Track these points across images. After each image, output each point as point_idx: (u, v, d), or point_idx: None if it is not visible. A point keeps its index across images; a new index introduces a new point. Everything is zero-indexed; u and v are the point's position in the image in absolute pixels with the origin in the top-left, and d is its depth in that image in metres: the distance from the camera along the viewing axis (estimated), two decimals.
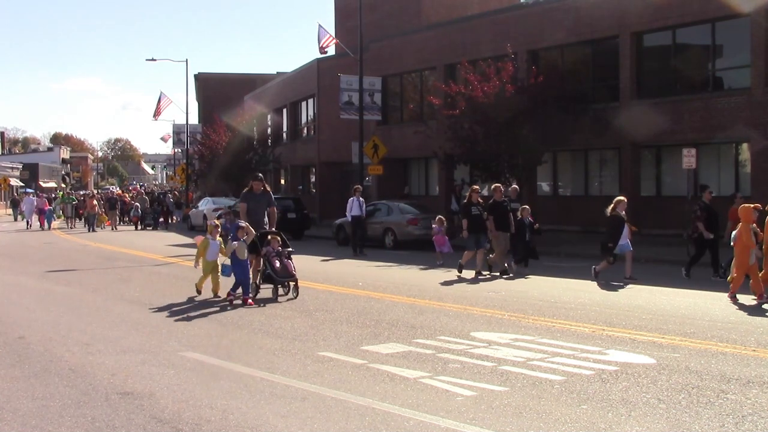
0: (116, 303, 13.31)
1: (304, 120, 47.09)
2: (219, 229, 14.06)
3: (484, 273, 17.15)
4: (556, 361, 8.44)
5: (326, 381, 7.62)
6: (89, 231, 37.05)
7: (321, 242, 29.37)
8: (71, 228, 40.81)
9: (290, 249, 13.86)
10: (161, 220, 42.47)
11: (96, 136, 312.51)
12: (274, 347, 9.29)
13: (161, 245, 27.65)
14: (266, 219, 14.58)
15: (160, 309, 12.41)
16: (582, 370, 8.04)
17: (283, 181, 51.29)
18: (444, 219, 21.26)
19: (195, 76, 73.39)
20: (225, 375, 7.91)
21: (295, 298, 13.12)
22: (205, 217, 37.67)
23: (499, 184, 18.82)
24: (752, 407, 6.64)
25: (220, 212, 28.92)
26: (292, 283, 13.41)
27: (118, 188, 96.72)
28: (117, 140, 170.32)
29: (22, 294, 14.86)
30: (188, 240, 31.37)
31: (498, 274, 17.12)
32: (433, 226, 20.82)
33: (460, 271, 17.08)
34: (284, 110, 49.34)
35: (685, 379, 7.59)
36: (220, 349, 9.25)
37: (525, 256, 17.91)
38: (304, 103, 46.34)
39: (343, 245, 27.09)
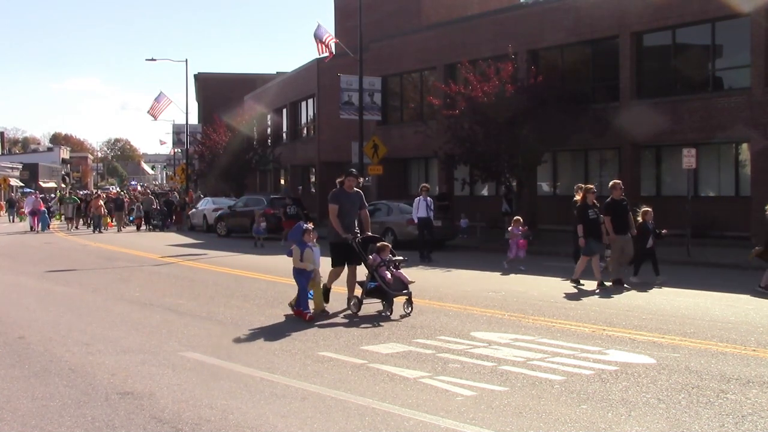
0: (116, 303, 13.30)
1: (304, 120, 47.11)
2: (316, 234, 12.06)
3: (606, 283, 14.79)
4: (556, 361, 8.44)
5: (326, 381, 7.62)
6: (94, 232, 35.95)
7: (321, 242, 29.22)
8: (75, 229, 39.49)
9: (401, 258, 12.09)
10: (170, 220, 40.23)
11: (96, 136, 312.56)
12: (274, 347, 9.29)
13: (161, 245, 27.65)
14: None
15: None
16: (582, 370, 8.04)
17: (283, 181, 51.32)
18: (521, 220, 19.36)
19: (195, 76, 73.42)
20: (225, 375, 7.91)
21: (410, 314, 11.23)
22: (205, 216, 37.68)
23: (618, 181, 16.40)
24: (752, 407, 6.64)
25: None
26: (404, 297, 11.44)
27: (117, 188, 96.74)
28: (117, 140, 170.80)
29: (22, 294, 14.85)
30: (188, 240, 31.38)
31: (611, 283, 14.85)
32: (510, 228, 19.03)
33: (577, 284, 14.95)
34: (284, 110, 49.37)
35: (685, 379, 7.59)
36: (220, 349, 9.25)
37: (641, 264, 15.68)
38: (304, 103, 46.36)
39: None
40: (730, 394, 7.05)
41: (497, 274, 17.51)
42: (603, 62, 28.00)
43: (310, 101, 44.39)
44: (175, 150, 66.47)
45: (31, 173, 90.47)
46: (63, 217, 42.13)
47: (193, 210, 39.98)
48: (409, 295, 11.45)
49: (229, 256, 23.25)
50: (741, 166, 24.84)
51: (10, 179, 74.83)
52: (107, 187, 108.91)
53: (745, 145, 24.35)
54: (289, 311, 11.66)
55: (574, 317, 11.21)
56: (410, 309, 11.37)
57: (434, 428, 6.12)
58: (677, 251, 19.94)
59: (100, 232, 35.89)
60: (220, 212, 35.14)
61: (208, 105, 67.69)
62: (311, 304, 11.59)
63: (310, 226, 11.94)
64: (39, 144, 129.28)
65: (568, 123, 25.29)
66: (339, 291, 12.63)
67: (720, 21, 24.11)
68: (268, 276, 17.04)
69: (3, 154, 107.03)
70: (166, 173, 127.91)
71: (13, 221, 49.70)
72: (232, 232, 33.37)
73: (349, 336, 9.97)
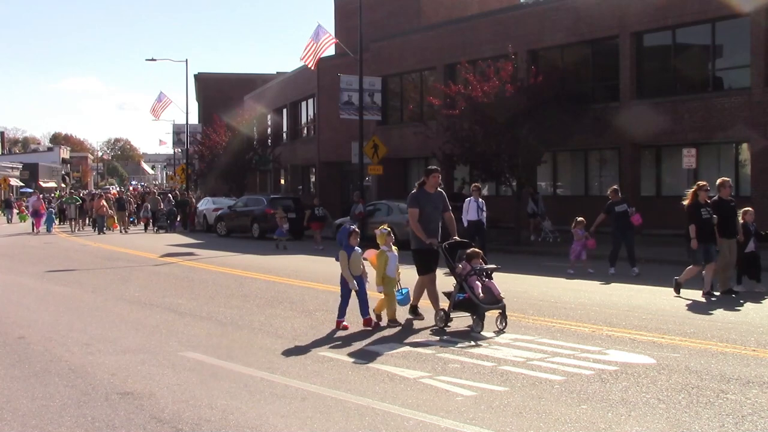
0: (116, 303, 13.30)
1: (304, 120, 47.12)
2: (393, 237, 11.07)
3: (715, 293, 13.47)
4: (556, 361, 8.44)
5: (326, 381, 7.62)
6: (98, 233, 34.75)
7: (326, 243, 29.29)
8: (79, 230, 37.60)
9: (494, 266, 10.84)
10: (178, 221, 38.54)
11: (96, 136, 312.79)
12: (274, 347, 9.29)
13: (161, 245, 27.64)
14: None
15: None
16: (582, 370, 8.04)
17: (283, 181, 51.32)
18: (584, 220, 18.03)
19: (195, 76, 73.39)
20: (225, 375, 7.91)
21: (504, 329, 10.09)
22: (205, 216, 37.63)
23: (726, 179, 14.91)
24: (752, 407, 6.64)
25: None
26: (497, 312, 10.21)
27: (117, 188, 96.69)
28: (117, 140, 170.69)
29: (22, 294, 14.85)
30: (188, 240, 31.37)
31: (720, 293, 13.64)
32: (575, 229, 17.78)
33: (678, 291, 13.61)
34: (284, 110, 49.37)
35: (685, 379, 7.59)
36: (220, 349, 9.25)
37: (746, 270, 14.21)
38: (304, 103, 46.37)
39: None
40: (730, 394, 7.05)
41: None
42: (603, 62, 28.00)
43: (310, 101, 44.39)
44: (176, 150, 66.44)
45: (31, 173, 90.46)
46: (65, 218, 39.87)
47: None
48: (503, 308, 10.17)
49: (229, 256, 23.25)
50: (741, 166, 24.84)
51: (10, 179, 74.84)
52: (107, 186, 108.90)
53: (745, 145, 24.35)
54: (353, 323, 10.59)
55: (574, 317, 11.21)
56: (504, 324, 10.07)
57: (434, 428, 6.12)
58: (677, 251, 19.90)
59: (103, 233, 34.92)
60: (220, 212, 35.12)
61: (208, 105, 67.65)
62: (372, 313, 10.61)
63: (356, 227, 11.08)
64: (39, 144, 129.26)
65: (568, 123, 25.29)
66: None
67: (720, 21, 24.11)
68: (268, 276, 17.05)
69: (3, 154, 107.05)
70: (166, 173, 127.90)
71: (11, 221, 48.83)
72: (232, 232, 33.36)
73: (349, 336, 9.97)
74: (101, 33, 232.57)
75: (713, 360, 8.38)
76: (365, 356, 8.73)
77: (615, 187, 18.32)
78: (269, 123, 51.52)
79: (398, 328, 10.48)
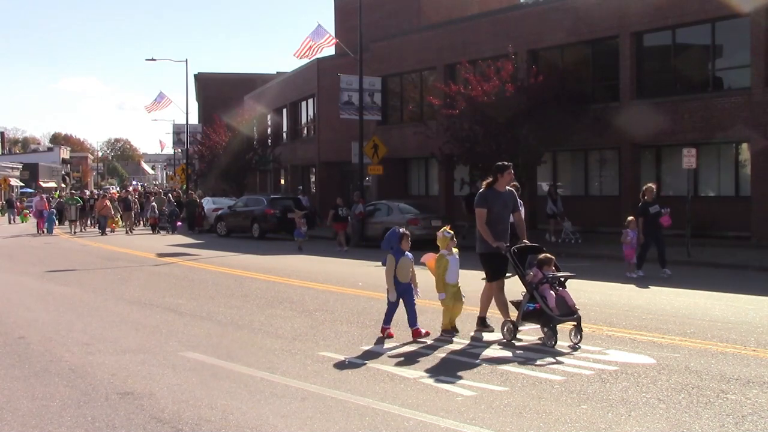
0: (116, 303, 13.31)
1: (304, 120, 47.11)
2: (455, 241, 10.27)
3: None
4: (556, 360, 8.43)
5: (326, 381, 7.62)
6: (102, 234, 34.16)
7: (321, 242, 29.37)
8: (82, 231, 36.97)
9: (568, 273, 9.85)
10: (180, 223, 37.37)
11: (96, 136, 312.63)
12: (274, 347, 9.29)
13: (161, 245, 27.64)
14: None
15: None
16: (582, 370, 8.04)
17: (282, 181, 51.33)
18: (635, 221, 16.81)
19: (195, 76, 73.41)
20: (225, 375, 7.91)
21: (578, 345, 9.12)
22: (205, 216, 37.55)
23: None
24: (752, 407, 6.64)
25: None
26: (571, 324, 9.30)
27: (117, 188, 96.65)
28: (117, 140, 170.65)
29: (22, 294, 14.86)
30: (188, 240, 31.36)
31: None
32: (627, 230, 16.73)
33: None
34: (284, 110, 49.36)
35: (685, 379, 7.59)
36: (220, 349, 9.25)
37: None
38: (304, 103, 46.36)
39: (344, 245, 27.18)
40: (730, 394, 7.05)
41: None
42: (603, 62, 27.99)
43: (310, 101, 44.38)
44: (176, 150, 66.41)
45: (31, 173, 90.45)
46: (65, 219, 38.64)
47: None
48: (578, 321, 9.25)
49: (229, 256, 23.25)
50: (741, 166, 24.84)
51: (10, 179, 74.83)
52: (107, 186, 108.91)
53: (745, 145, 24.34)
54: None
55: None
56: (579, 338, 9.17)
57: (434, 428, 6.12)
58: (677, 251, 19.92)
59: (104, 233, 34.33)
60: (220, 212, 35.10)
61: (208, 105, 67.68)
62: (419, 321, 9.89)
63: (405, 230, 10.16)
64: (39, 144, 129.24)
65: (568, 123, 25.29)
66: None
67: (720, 21, 24.10)
68: (268, 276, 17.05)
69: (3, 154, 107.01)
70: (166, 173, 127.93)
71: (13, 222, 48.57)
72: (232, 232, 33.36)
73: (349, 336, 9.97)
74: (101, 33, 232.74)
75: (713, 360, 8.38)
76: (365, 356, 8.73)
77: (651, 186, 17.34)
78: (269, 123, 51.52)
79: (466, 342, 9.55)
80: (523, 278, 9.56)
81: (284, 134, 49.71)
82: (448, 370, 8.04)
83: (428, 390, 7.28)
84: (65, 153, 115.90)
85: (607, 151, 28.56)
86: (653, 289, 14.64)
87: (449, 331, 9.88)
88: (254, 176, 52.35)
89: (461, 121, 26.02)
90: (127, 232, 35.83)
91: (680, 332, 9.95)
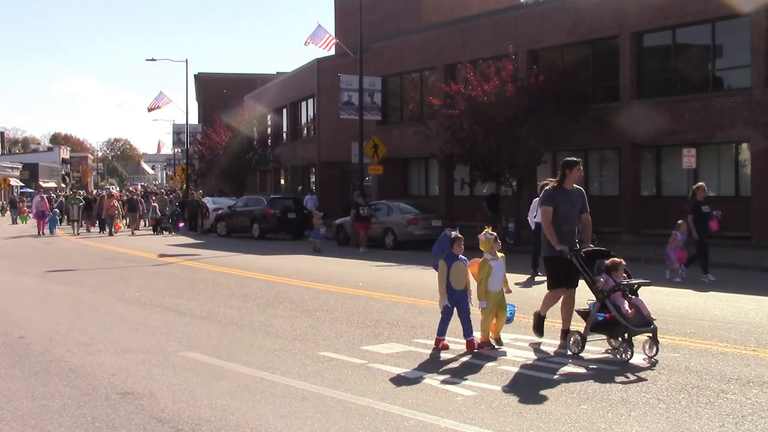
0: (116, 303, 13.31)
1: (304, 120, 47.12)
2: (500, 244, 9.44)
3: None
4: (556, 361, 8.44)
5: (326, 381, 7.62)
6: (108, 235, 33.48)
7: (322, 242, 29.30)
8: (87, 231, 36.33)
9: (642, 281, 9.06)
10: (182, 224, 36.78)
11: (96, 136, 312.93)
12: (274, 347, 9.29)
13: (161, 245, 27.64)
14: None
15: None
16: (582, 370, 8.04)
17: (282, 181, 51.33)
18: (685, 223, 16.03)
19: (195, 76, 73.40)
20: (225, 375, 7.91)
21: (655, 356, 8.36)
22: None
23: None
24: (752, 407, 6.64)
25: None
26: (646, 336, 8.49)
27: (117, 188, 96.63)
28: (117, 140, 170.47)
29: (22, 294, 14.86)
30: (188, 240, 31.35)
31: None
32: (676, 233, 16.06)
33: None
34: (284, 110, 49.37)
35: (685, 379, 7.60)
36: (220, 349, 9.25)
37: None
38: (304, 103, 46.37)
39: (343, 245, 27.18)
40: (730, 394, 7.05)
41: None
42: (603, 62, 27.98)
43: (310, 101, 44.38)
44: (176, 150, 66.42)
45: (31, 173, 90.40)
46: (67, 219, 38.07)
47: None
48: (654, 332, 8.44)
49: (230, 256, 23.25)
50: (741, 166, 24.82)
51: (10, 179, 74.80)
52: (107, 186, 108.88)
53: (745, 145, 24.33)
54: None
55: (574, 317, 11.18)
56: (655, 351, 8.37)
57: (434, 428, 6.13)
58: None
59: (112, 234, 33.67)
60: (220, 212, 35.09)
61: (208, 105, 67.67)
62: (477, 335, 9.16)
63: (457, 233, 9.23)
64: (39, 144, 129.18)
65: (568, 123, 25.28)
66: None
67: (720, 21, 24.08)
68: (268, 276, 17.05)
69: (3, 154, 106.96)
70: (166, 173, 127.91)
71: (16, 222, 47.80)
72: (232, 232, 33.36)
73: (349, 336, 9.97)
74: (101, 33, 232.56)
75: (713, 360, 8.38)
76: (365, 356, 8.72)
77: (702, 185, 16.75)
78: (269, 123, 51.52)
79: (505, 352, 8.97)
80: (593, 285, 8.77)
81: (284, 134, 49.72)
82: (448, 370, 8.04)
83: (428, 390, 7.28)
84: (65, 153, 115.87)
85: (607, 151, 28.55)
86: (653, 289, 14.61)
87: (489, 344, 9.06)
88: (254, 176, 52.34)
89: (461, 121, 26.01)
90: (132, 233, 35.20)
91: (680, 332, 9.95)
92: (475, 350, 8.92)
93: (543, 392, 7.17)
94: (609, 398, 6.95)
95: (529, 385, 7.41)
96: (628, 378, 7.66)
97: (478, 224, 24.69)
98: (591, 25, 27.33)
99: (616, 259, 8.91)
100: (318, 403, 6.80)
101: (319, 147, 41.88)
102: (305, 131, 46.76)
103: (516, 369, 8.07)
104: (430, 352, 8.95)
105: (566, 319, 9.34)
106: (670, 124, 24.92)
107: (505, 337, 9.62)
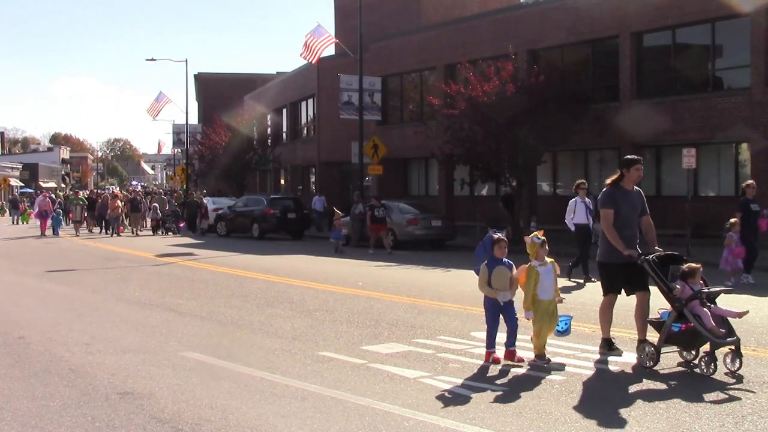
0: (116, 303, 13.31)
1: (304, 120, 47.12)
2: (547, 249, 8.65)
3: None
4: (556, 361, 8.43)
5: (326, 381, 7.62)
6: (111, 236, 33.32)
7: (321, 242, 29.37)
8: (89, 232, 36.20)
9: (723, 288, 8.72)
10: (183, 224, 36.71)
11: (96, 136, 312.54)
12: (274, 347, 9.29)
13: (161, 245, 27.64)
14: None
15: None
16: (582, 370, 8.05)
17: (282, 181, 51.34)
18: (739, 222, 15.19)
19: (195, 76, 73.37)
20: (225, 375, 7.91)
21: (739, 369, 7.71)
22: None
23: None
24: (752, 407, 6.64)
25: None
26: (728, 348, 7.77)
27: (117, 188, 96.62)
28: (116, 140, 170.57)
29: (22, 294, 14.86)
30: (188, 240, 31.36)
31: None
32: (731, 233, 15.12)
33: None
34: (284, 110, 49.36)
35: (685, 379, 7.59)
36: (220, 349, 9.26)
37: None
38: (304, 103, 46.36)
39: (343, 245, 27.15)
40: (730, 393, 7.05)
41: None
42: (603, 62, 27.99)
43: (310, 101, 44.38)
44: (176, 150, 66.40)
45: (31, 173, 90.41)
46: (70, 221, 37.72)
47: None
48: (737, 343, 7.75)
49: (229, 256, 23.25)
50: (741, 166, 24.82)
51: (10, 179, 74.80)
52: (107, 187, 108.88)
53: (745, 145, 24.34)
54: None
55: (574, 317, 11.18)
56: (739, 364, 7.68)
57: (434, 428, 6.13)
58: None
59: (118, 234, 33.57)
60: (220, 212, 35.09)
61: (208, 105, 67.64)
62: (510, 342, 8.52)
63: (502, 235, 8.67)
64: (39, 144, 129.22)
65: (568, 123, 25.27)
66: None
67: (720, 21, 24.08)
68: (268, 276, 17.05)
69: (3, 154, 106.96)
70: (166, 173, 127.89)
71: (17, 223, 47.45)
72: (232, 232, 33.36)
73: (349, 336, 9.97)
74: (101, 33, 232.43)
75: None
76: (365, 356, 8.73)
77: (753, 182, 16.07)
78: (269, 123, 51.52)
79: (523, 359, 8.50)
80: (669, 293, 8.18)
81: (284, 134, 49.71)
82: (448, 370, 8.04)
83: (428, 390, 7.28)
84: (65, 153, 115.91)
85: (607, 151, 28.54)
86: (652, 289, 14.61)
87: (543, 358, 8.35)
88: (254, 176, 52.35)
89: (461, 121, 26.01)
90: (136, 234, 34.81)
91: None
92: (514, 361, 8.32)
93: (543, 392, 7.17)
94: (609, 398, 6.95)
95: (529, 385, 7.42)
96: (630, 377, 7.67)
97: (478, 224, 24.70)
98: (591, 25, 27.34)
99: (693, 264, 8.34)
100: (318, 403, 6.80)
101: (319, 147, 41.88)
102: (305, 131, 46.76)
103: (516, 369, 8.07)
104: (430, 352, 8.95)
105: (641, 329, 8.55)
106: (670, 124, 24.92)
107: (505, 337, 9.53)
